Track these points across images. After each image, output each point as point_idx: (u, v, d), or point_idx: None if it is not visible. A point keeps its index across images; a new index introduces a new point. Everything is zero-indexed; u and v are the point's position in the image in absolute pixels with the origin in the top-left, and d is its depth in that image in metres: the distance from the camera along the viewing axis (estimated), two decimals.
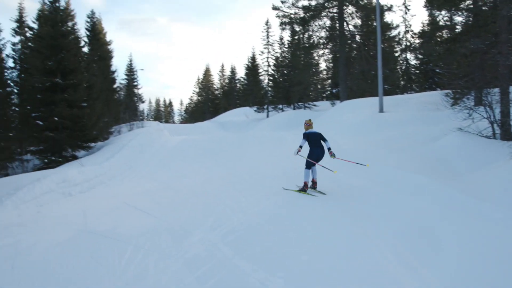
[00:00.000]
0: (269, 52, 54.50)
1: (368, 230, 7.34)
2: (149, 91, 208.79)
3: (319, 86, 56.77)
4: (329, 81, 55.18)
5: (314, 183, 11.07)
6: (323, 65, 51.99)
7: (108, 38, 43.99)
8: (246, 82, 68.40)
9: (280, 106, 52.50)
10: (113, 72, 43.10)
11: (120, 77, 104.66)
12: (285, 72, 52.53)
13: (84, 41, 37.51)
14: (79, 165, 17.73)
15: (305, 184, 10.80)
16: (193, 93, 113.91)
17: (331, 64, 48.76)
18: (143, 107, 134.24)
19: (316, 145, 10.86)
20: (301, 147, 10.71)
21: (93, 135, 25.12)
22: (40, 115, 23.00)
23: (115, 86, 43.44)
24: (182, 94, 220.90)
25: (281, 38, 54.77)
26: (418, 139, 15.45)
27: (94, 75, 31.18)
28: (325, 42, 36.84)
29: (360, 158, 14.17)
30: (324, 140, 10.91)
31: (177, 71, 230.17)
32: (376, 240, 6.82)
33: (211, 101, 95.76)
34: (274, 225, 7.98)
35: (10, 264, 6.68)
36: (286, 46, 53.39)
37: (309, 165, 10.86)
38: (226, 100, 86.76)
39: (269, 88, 54.14)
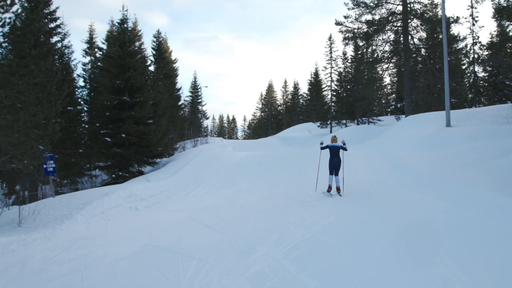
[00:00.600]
0: (332, 67, 54.26)
1: (441, 252, 7.02)
2: (213, 108, 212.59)
3: (383, 101, 55.78)
4: (394, 95, 54.06)
5: (337, 189, 13.71)
6: (387, 80, 51.08)
7: (173, 57, 45.28)
8: (309, 97, 68.21)
9: (344, 121, 51.95)
10: (178, 89, 44.19)
11: (185, 94, 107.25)
12: (349, 87, 52.04)
13: (151, 60, 38.79)
14: (145, 181, 18.19)
15: (329, 187, 13.84)
16: (256, 109, 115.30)
17: (395, 78, 47.79)
18: (207, 123, 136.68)
19: (334, 156, 14.01)
20: (322, 144, 14.53)
21: (158, 151, 25.69)
22: (108, 132, 23.83)
23: (180, 103, 44.51)
24: (245, 110, 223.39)
25: (344, 53, 54.44)
26: (488, 153, 14.73)
27: (160, 92, 32.00)
28: (389, 56, 36.19)
29: (427, 174, 13.71)
30: (344, 149, 14.18)
31: (240, 87, 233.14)
32: (451, 266, 6.51)
33: (274, 117, 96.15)
34: (339, 242, 7.80)
35: (79, 276, 6.86)
36: (349, 61, 52.94)
37: (331, 172, 13.99)
38: (289, 116, 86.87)
39: (333, 103, 53.75)
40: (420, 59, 36.04)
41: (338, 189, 13.75)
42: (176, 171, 20.70)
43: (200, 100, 67.53)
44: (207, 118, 75.40)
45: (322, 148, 14.65)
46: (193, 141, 37.23)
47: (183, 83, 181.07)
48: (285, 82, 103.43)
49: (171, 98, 38.19)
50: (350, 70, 52.23)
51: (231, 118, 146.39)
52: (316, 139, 42.94)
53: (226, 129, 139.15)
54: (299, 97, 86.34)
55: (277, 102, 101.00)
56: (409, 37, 34.80)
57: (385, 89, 52.73)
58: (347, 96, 51.70)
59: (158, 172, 21.53)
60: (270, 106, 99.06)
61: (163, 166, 25.04)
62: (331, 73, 54.11)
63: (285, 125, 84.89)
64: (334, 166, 13.95)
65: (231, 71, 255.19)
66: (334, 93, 53.72)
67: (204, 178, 19.88)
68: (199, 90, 70.76)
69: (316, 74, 68.92)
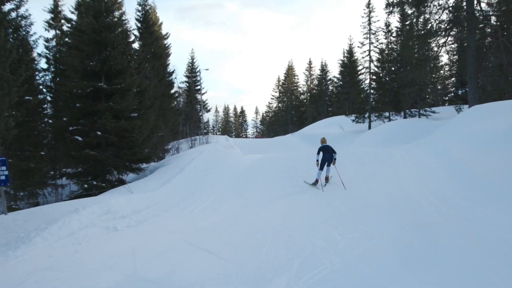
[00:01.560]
0: (371, 43, 54.06)
1: None
2: (216, 97, 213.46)
3: (439, 87, 55.42)
4: (453, 79, 53.77)
5: (326, 178, 19.38)
6: (444, 58, 50.91)
7: (164, 31, 45.57)
8: (340, 83, 68.27)
9: (386, 113, 51.75)
10: (170, 73, 44.35)
11: (179, 79, 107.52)
12: (393, 69, 51.83)
13: (135, 35, 38.91)
14: (127, 192, 18.18)
15: (316, 180, 19.07)
16: (272, 98, 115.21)
17: (455, 57, 47.52)
18: (208, 117, 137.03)
19: (326, 153, 19.45)
20: (317, 161, 19.56)
21: (144, 153, 25.66)
22: (79, 129, 23.80)
23: (172, 91, 44.65)
24: (258, 100, 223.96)
25: (388, 25, 54.22)
26: None
27: (147, 77, 32.06)
28: (448, 27, 35.88)
29: (500, 184, 13.51)
30: (334, 152, 19.60)
31: (250, 70, 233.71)
32: None
33: (296, 109, 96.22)
34: (383, 274, 7.70)
35: None
36: (394, 34, 52.71)
37: (321, 167, 19.31)
38: (315, 107, 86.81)
39: (372, 91, 53.60)
40: (489, 30, 35.66)
41: (326, 178, 19.40)
42: (168, 180, 20.71)
43: (199, 87, 67.65)
44: (208, 111, 75.51)
45: (318, 158, 19.65)
46: (190, 140, 37.35)
47: (177, 65, 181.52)
48: (310, 63, 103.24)
49: (161, 85, 38.32)
50: (395, 47, 52.03)
51: (239, 110, 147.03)
52: (350, 137, 42.85)
53: (233, 125, 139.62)
54: (328, 82, 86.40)
55: (299, 89, 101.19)
56: (475, 1, 34.40)
57: (442, 71, 52.40)
58: (391, 80, 51.50)
59: (144, 181, 21.55)
60: (290, 94, 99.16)
61: (150, 173, 25.07)
62: (370, 51, 53.91)
63: (309, 119, 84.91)
64: (327, 161, 19.44)
65: (239, 49, 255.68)
66: (374, 77, 53.55)
67: (204, 189, 19.88)
68: (198, 74, 71.03)
69: (351, 52, 68.84)
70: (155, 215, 15.43)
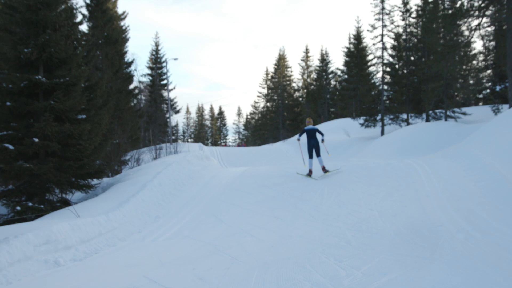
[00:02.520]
0: (384, 26, 54.35)
1: None
2: (187, 94, 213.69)
3: (470, 81, 55.60)
4: (489, 71, 54.10)
5: (322, 169, 23.19)
6: (478, 45, 51.15)
7: (120, 9, 45.49)
8: (346, 77, 68.53)
9: (404, 115, 51.95)
10: (129, 64, 44.29)
11: (140, 71, 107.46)
12: (412, 59, 52.10)
13: (82, 14, 38.76)
14: (72, 216, 18.02)
15: (310, 171, 22.82)
16: (259, 96, 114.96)
17: (492, 43, 47.76)
18: (177, 120, 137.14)
19: (311, 138, 22.85)
20: (298, 139, 23.86)
21: (95, 166, 25.49)
22: (10, 134, 23.48)
23: (131, 86, 44.60)
24: (241, 99, 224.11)
25: (405, 3, 54.51)
26: None
27: (98, 68, 31.95)
28: (482, 5, 36.09)
29: None
30: (321, 133, 23.27)
31: (231, 61, 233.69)
32: None
33: (289, 109, 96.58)
34: None
35: None
36: (414, 15, 52.99)
37: (310, 154, 22.86)
38: (314, 108, 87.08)
39: (386, 87, 53.88)
40: None
41: (323, 169, 23.04)
42: (126, 200, 20.50)
43: (165, 82, 67.76)
44: (178, 112, 75.07)
45: (299, 137, 23.78)
46: (154, 149, 37.28)
47: (137, 53, 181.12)
48: (306, 51, 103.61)
49: (116, 78, 38.24)
50: (414, 31, 52.29)
51: (216, 111, 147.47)
52: (358, 146, 43.08)
53: (209, 130, 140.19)
54: (330, 76, 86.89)
55: (293, 84, 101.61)
56: None
57: (475, 62, 52.70)
58: (410, 74, 51.76)
59: (95, 201, 21.34)
60: (282, 91, 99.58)
61: (103, 191, 24.96)
62: (382, 36, 54.15)
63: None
64: (313, 147, 23.01)
65: (217, 34, 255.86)
66: (388, 70, 53.83)
67: (173, 211, 19.85)
68: (164, 65, 71.03)
69: (358, 38, 69.29)
70: (109, 245, 15.34)
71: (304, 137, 26.19)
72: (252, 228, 16.11)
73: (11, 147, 22.88)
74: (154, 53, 72.84)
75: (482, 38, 43.43)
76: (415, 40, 50.73)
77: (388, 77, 53.14)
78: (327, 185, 21.61)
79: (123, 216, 18.33)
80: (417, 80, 49.38)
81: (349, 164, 26.24)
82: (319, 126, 68.43)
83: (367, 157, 34.93)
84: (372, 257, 11.34)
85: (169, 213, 19.49)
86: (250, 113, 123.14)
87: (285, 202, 19.87)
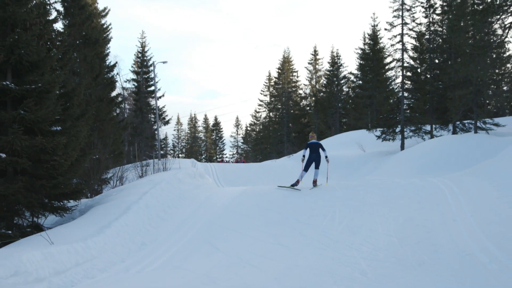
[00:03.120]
0: (404, 24, 54.40)
1: None
2: (178, 103, 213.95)
3: (505, 87, 55.56)
4: None
5: (313, 182, 25.68)
6: None
7: (100, 5, 45.57)
8: (360, 82, 68.57)
9: (427, 127, 51.93)
10: (111, 68, 44.37)
11: (124, 77, 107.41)
12: (437, 61, 52.13)
13: (57, 11, 38.78)
14: (45, 243, 17.95)
15: (297, 181, 25.46)
16: (260, 105, 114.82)
17: None
18: (166, 132, 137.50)
19: (313, 152, 25.22)
20: (303, 156, 25.64)
21: (72, 185, 25.38)
22: None
23: (114, 93, 44.64)
24: (239, 108, 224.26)
25: None
26: None
27: (76, 73, 31.90)
28: None
29: None
30: (323, 149, 25.35)
31: (228, 64, 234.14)
32: None
33: (295, 120, 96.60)
34: None
35: None
36: (439, 11, 53.06)
37: (306, 168, 25.53)
38: (323, 118, 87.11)
39: (406, 94, 53.88)
40: None
41: (314, 182, 25.67)
42: (107, 224, 20.36)
43: (152, 89, 67.74)
44: (167, 123, 74.95)
45: (304, 154, 25.94)
46: (140, 166, 37.23)
47: (121, 55, 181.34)
48: (315, 53, 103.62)
49: (97, 85, 38.26)
50: (439, 30, 52.34)
51: (211, 122, 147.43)
52: (374, 162, 43.15)
53: (203, 144, 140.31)
54: (342, 81, 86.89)
55: (300, 91, 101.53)
56: None
57: (509, 65, 52.65)
58: (434, 79, 51.76)
59: (71, 226, 21.23)
60: (287, 99, 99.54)
61: (81, 214, 24.84)
62: (402, 35, 54.20)
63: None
64: (313, 161, 25.53)
65: (213, 32, 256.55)
66: (409, 74, 53.85)
67: (161, 238, 19.74)
68: (151, 69, 71.11)
69: (374, 38, 69.47)
70: (87, 276, 15.28)
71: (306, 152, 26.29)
72: (252, 257, 16.05)
73: None
74: (139, 55, 73.04)
75: None
76: (440, 40, 50.80)
77: (409, 82, 53.18)
78: (338, 207, 21.50)
79: (104, 243, 18.15)
80: (442, 86, 49.38)
81: (364, 183, 26.17)
82: (329, 140, 68.47)
83: (385, 175, 34.90)
84: None
85: (157, 240, 19.38)
86: (250, 124, 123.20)
87: (291, 227, 19.75)
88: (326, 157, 25.61)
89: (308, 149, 25.86)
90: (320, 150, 25.80)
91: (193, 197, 25.41)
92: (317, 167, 25.70)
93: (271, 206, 22.86)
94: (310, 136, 26.40)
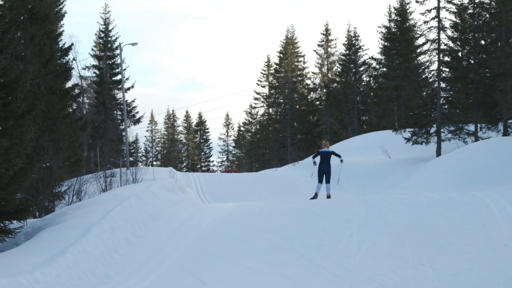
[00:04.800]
0: None
1: None
2: (153, 96, 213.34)
3: None
4: None
5: (327, 197, 29.34)
6: None
7: None
8: (384, 70, 68.68)
9: (470, 126, 51.94)
10: (65, 51, 44.29)
11: (83, 62, 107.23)
12: (482, 43, 52.09)
13: None
14: None
15: (316, 195, 29.71)
16: (257, 98, 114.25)
17: None
18: (137, 133, 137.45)
19: (324, 162, 29.32)
20: (314, 162, 31.53)
21: (14, 201, 25.41)
22: None
23: (69, 84, 44.58)
24: (230, 103, 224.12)
25: None
26: None
27: (20, 58, 31.93)
28: None
29: None
30: (337, 155, 29.58)
31: (215, 49, 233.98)
32: None
33: (301, 117, 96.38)
34: None
35: None
36: None
37: (319, 179, 29.94)
38: (337, 114, 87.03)
39: (443, 84, 53.79)
40: None
41: (328, 197, 28.86)
42: (61, 251, 20.26)
43: (119, 78, 67.74)
44: (138, 122, 74.45)
45: (314, 160, 31.16)
46: (104, 176, 37.24)
47: (79, 35, 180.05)
48: (326, 32, 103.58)
49: (47, 72, 38.20)
50: (486, 2, 52.34)
51: (195, 121, 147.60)
52: (401, 171, 43.35)
53: (185, 148, 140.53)
54: (361, 68, 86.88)
55: (307, 81, 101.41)
56: None
57: None
58: (479, 65, 51.73)
59: (14, 253, 21.21)
60: (291, 91, 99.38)
61: (27, 238, 24.81)
62: (438, 9, 54.13)
63: (325, 137, 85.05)
64: (324, 172, 29.73)
65: (195, 10, 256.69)
66: (448, 59, 53.75)
67: (130, 267, 19.61)
68: (117, 53, 71.09)
69: (403, 12, 69.55)
70: None
71: (317, 159, 30.36)
72: None
73: None
74: (102, 35, 73.18)
75: None
76: (487, 15, 50.83)
77: (447, 70, 53.10)
78: (357, 228, 21.43)
79: (57, 276, 18.05)
80: (490, 75, 49.33)
81: (388, 198, 26.14)
82: (345, 143, 68.43)
83: (415, 188, 34.92)
84: None
85: (125, 271, 19.23)
86: (244, 124, 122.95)
87: (296, 253, 19.62)
88: (341, 161, 30.38)
89: (319, 157, 29.98)
90: (333, 157, 30.02)
91: (171, 216, 25.35)
92: (328, 181, 29.75)
93: (271, 227, 22.73)
94: (323, 144, 30.84)
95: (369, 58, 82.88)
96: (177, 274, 18.66)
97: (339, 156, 30.09)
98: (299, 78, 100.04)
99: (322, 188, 30.97)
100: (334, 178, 30.89)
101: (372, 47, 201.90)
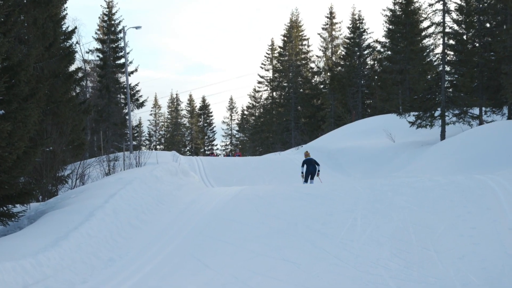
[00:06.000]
0: None
1: None
2: (157, 80, 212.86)
3: None
4: None
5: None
6: None
7: None
8: (388, 53, 68.50)
9: (475, 110, 51.83)
10: (69, 34, 44.21)
11: (86, 46, 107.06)
12: (488, 26, 51.98)
13: None
14: None
15: None
16: (260, 82, 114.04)
17: None
18: (141, 117, 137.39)
19: (310, 165, 38.63)
20: (302, 173, 38.72)
21: (18, 185, 25.37)
22: None
23: (72, 67, 44.53)
24: (234, 86, 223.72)
25: None
26: None
27: (23, 41, 31.85)
28: None
29: None
30: (317, 164, 38.70)
31: (220, 31, 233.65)
32: None
33: (305, 101, 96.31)
34: None
35: None
36: None
37: (305, 179, 38.29)
38: (341, 98, 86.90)
39: (448, 67, 53.66)
40: None
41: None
42: (65, 235, 20.16)
43: (122, 62, 67.62)
44: (142, 105, 74.35)
45: (302, 170, 38.02)
46: (107, 160, 37.18)
47: (82, 18, 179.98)
48: (331, 15, 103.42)
49: (50, 56, 38.14)
50: None
51: (198, 105, 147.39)
52: (406, 154, 43.34)
53: (188, 132, 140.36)
54: (365, 52, 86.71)
55: (312, 65, 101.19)
56: None
57: None
58: (484, 48, 51.58)
59: (18, 237, 21.10)
60: (295, 74, 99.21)
61: (30, 222, 24.73)
62: None
63: (330, 122, 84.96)
64: (310, 173, 37.72)
65: None
66: (452, 42, 53.62)
67: (134, 251, 19.58)
68: (120, 37, 70.94)
69: None
70: None
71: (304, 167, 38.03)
72: (251, 276, 16.00)
73: None
74: (105, 18, 73.05)
75: None
76: None
77: (451, 53, 52.96)
78: (361, 212, 21.37)
79: (60, 259, 17.90)
80: (495, 58, 49.20)
81: (393, 181, 26.06)
82: (349, 127, 68.66)
83: (419, 172, 34.82)
84: None
85: (128, 254, 19.20)
86: (248, 107, 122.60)
87: (300, 237, 19.62)
88: (318, 171, 38.35)
89: (305, 165, 38.24)
90: (315, 164, 38.85)
91: (175, 200, 25.27)
92: (312, 178, 38.15)
93: (275, 211, 22.71)
94: (305, 154, 39.91)
95: (374, 41, 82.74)
96: (181, 257, 18.61)
97: (318, 164, 38.29)
98: (303, 62, 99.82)
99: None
100: (316, 178, 38.48)
101: (376, 30, 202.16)
